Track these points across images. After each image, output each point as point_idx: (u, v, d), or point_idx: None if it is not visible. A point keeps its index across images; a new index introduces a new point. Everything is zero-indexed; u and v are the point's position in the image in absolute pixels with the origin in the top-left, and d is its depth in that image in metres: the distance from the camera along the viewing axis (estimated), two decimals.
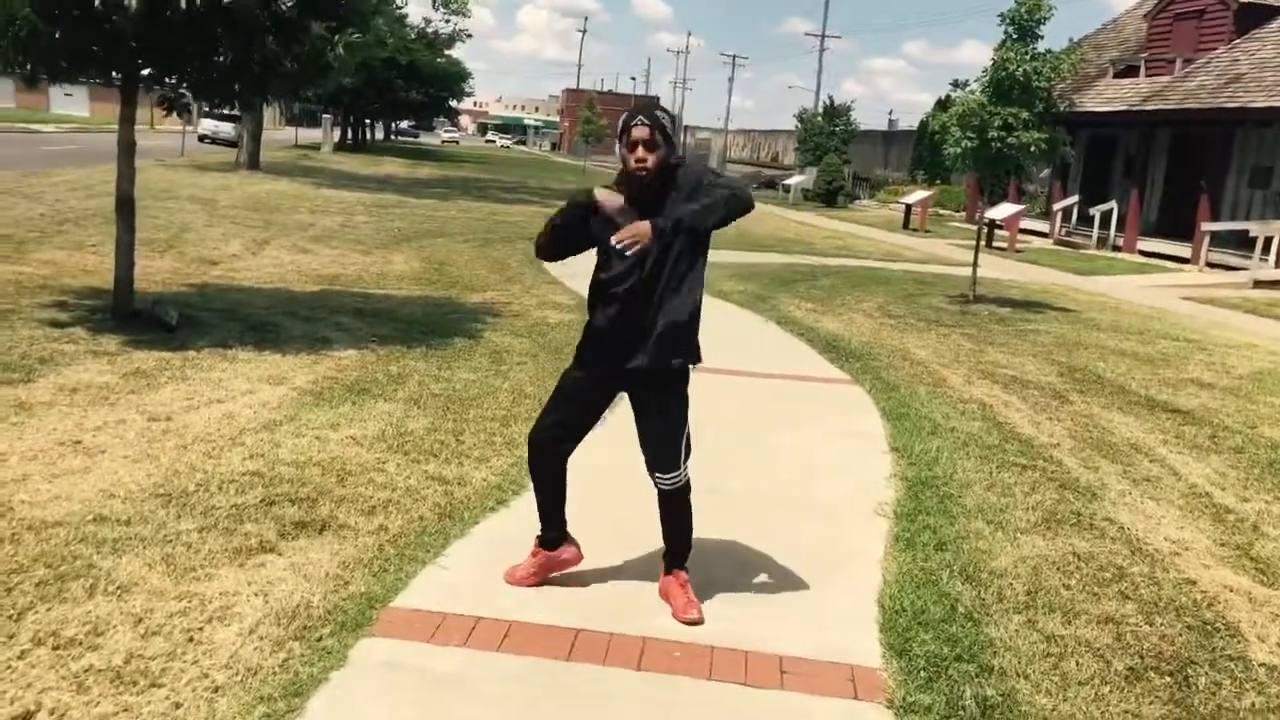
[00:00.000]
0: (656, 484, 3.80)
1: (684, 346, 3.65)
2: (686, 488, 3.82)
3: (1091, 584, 4.30)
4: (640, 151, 3.44)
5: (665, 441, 3.73)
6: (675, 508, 3.85)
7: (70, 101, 63.91)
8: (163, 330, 7.60)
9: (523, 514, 4.58)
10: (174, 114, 7.53)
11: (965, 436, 6.47)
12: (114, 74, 7.35)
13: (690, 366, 3.73)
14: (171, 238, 13.14)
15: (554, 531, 3.92)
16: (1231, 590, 4.37)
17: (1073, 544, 4.74)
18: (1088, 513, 5.21)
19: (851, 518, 4.93)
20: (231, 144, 37.55)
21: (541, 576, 3.91)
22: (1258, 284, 18.20)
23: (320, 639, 3.33)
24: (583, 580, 3.98)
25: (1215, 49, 23.23)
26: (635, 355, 3.60)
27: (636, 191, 3.52)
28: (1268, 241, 19.12)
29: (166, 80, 7.48)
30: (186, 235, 13.57)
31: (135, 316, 7.80)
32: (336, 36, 7.53)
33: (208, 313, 8.55)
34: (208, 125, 44.22)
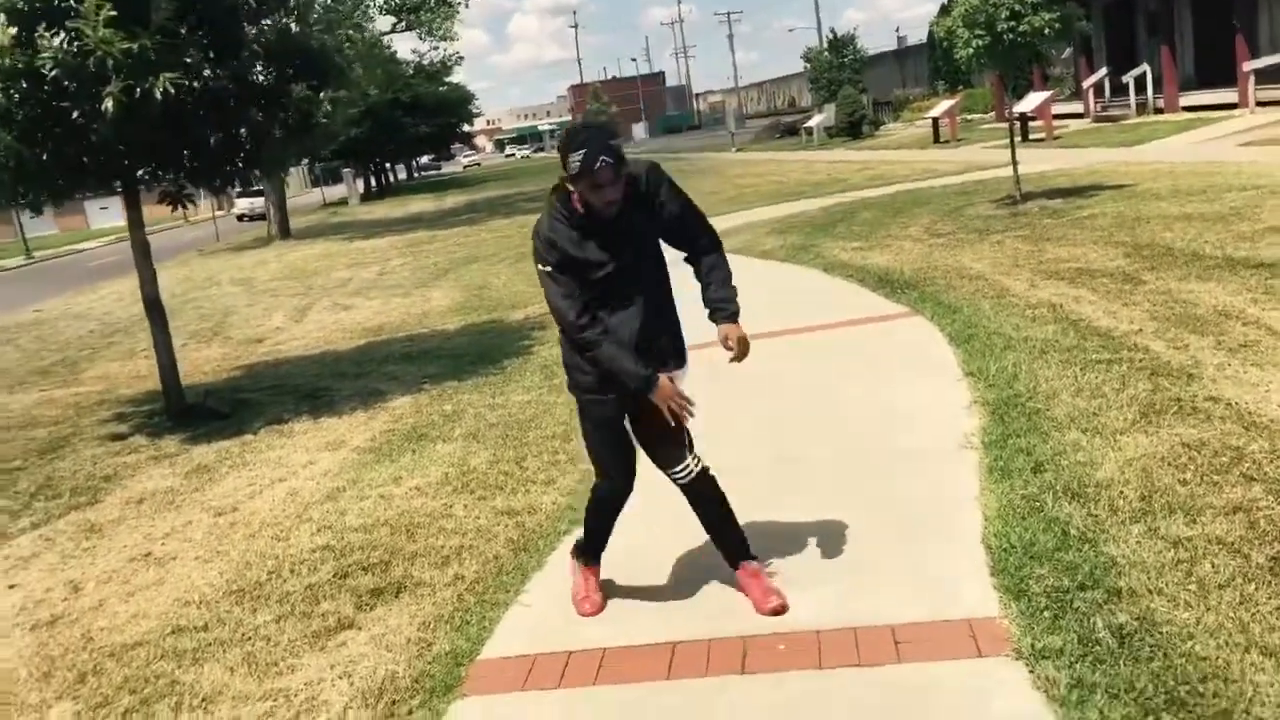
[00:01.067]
0: (674, 481, 3.54)
1: (676, 353, 3.48)
2: (704, 476, 3.53)
3: (1209, 473, 3.97)
4: (610, 193, 3.17)
5: (664, 439, 3.46)
6: (702, 500, 3.57)
7: (107, 214, 65.35)
8: (218, 420, 7.60)
9: None
10: (179, 207, 7.48)
11: (1041, 344, 6.13)
12: (113, 182, 7.34)
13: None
14: (216, 324, 13.25)
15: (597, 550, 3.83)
16: None
17: (1179, 434, 4.41)
18: (1188, 396, 4.86)
19: (938, 457, 4.66)
20: (261, 217, 37.92)
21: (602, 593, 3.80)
22: None
23: (411, 712, 3.19)
24: (665, 588, 3.79)
25: None
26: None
27: (600, 220, 3.23)
28: None
29: (163, 176, 7.43)
30: (230, 318, 13.68)
31: (189, 412, 7.80)
32: (321, 95, 7.42)
33: (259, 392, 8.54)
34: (243, 204, 44.81)
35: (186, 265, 24.32)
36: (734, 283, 3.48)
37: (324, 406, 7.60)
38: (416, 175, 76.93)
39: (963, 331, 6.75)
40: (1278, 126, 16.81)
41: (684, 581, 3.82)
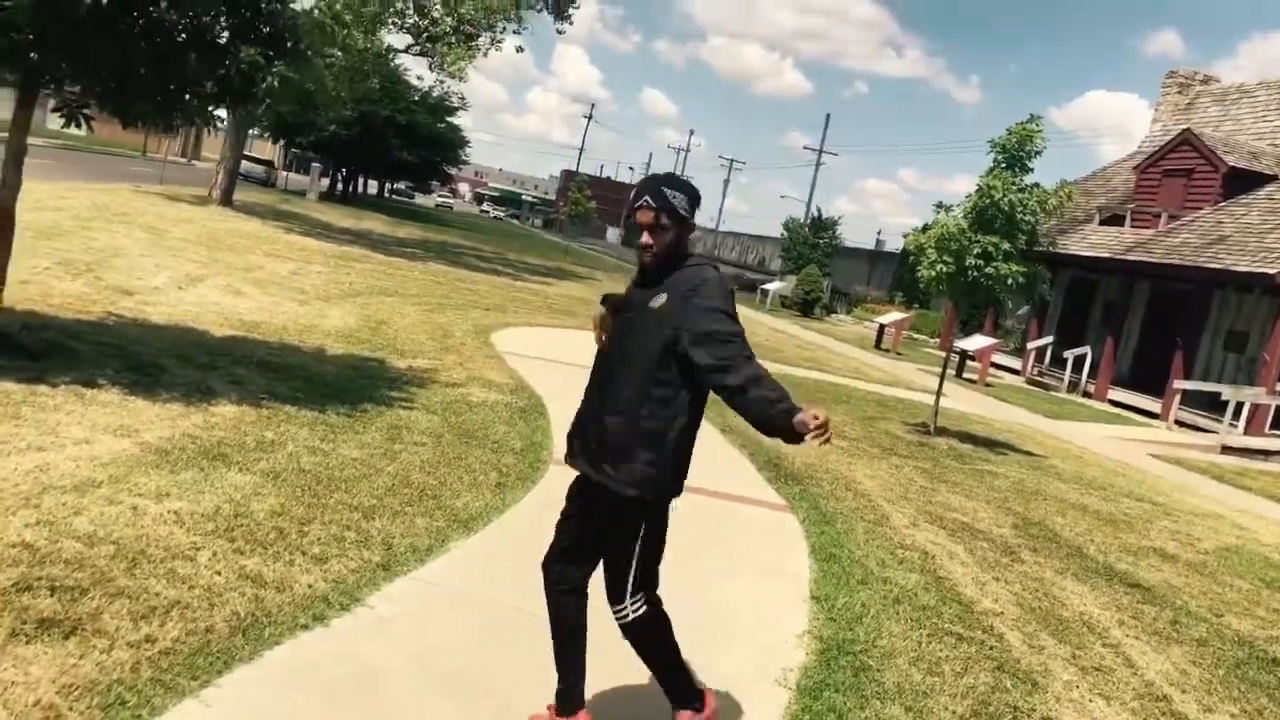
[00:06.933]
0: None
1: (634, 466, 3.10)
2: (639, 625, 3.29)
3: None
4: (645, 237, 3.17)
5: (609, 567, 3.29)
6: (635, 645, 3.35)
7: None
8: (24, 357, 6.75)
9: (343, 637, 3.76)
10: (74, 124, 6.77)
11: (899, 591, 5.67)
12: (7, 70, 6.62)
13: (643, 497, 3.16)
14: (95, 261, 12.30)
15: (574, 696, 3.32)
16: None
17: None
18: (1025, 707, 4.40)
19: (747, 685, 4.10)
20: (263, 182, 36.16)
21: None
22: (1226, 449, 17.67)
23: None
24: None
25: (1201, 208, 23.15)
26: (579, 456, 3.25)
27: (640, 270, 3.26)
28: (1239, 406, 18.66)
29: (68, 87, 6.73)
30: (114, 261, 12.74)
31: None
32: (275, 66, 6.89)
33: (91, 345, 7.70)
34: (244, 165, 42.98)
35: (111, 194, 23.13)
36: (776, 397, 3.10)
37: (145, 385, 6.81)
38: (388, 195, 76.18)
39: (828, 547, 6.28)
40: (1188, 450, 17.10)
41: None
